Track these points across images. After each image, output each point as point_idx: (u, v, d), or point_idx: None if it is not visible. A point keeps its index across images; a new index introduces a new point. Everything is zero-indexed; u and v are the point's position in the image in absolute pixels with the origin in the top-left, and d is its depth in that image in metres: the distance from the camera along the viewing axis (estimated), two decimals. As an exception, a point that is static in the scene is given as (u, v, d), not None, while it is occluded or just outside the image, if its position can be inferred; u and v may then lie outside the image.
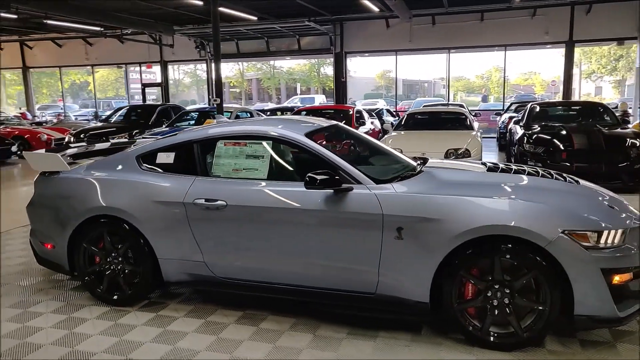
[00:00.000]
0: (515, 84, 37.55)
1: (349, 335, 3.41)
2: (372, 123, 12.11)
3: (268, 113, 16.20)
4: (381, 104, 25.26)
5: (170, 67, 24.78)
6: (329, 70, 38.16)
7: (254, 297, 3.86)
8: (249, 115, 12.63)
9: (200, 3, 13.24)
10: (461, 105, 14.98)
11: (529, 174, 3.82)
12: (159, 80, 22.68)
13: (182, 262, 3.77)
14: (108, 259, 3.91)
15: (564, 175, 3.95)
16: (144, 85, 22.65)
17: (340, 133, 4.54)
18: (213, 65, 21.59)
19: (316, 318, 3.65)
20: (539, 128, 9.41)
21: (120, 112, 15.11)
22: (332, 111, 11.84)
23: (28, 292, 4.24)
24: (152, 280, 3.86)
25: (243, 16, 15.91)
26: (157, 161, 3.94)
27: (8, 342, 3.37)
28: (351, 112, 11.17)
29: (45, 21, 15.39)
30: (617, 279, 3.06)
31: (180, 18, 17.80)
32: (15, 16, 14.36)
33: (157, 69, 22.43)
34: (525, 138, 8.97)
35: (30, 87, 24.93)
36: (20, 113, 23.13)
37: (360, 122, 11.07)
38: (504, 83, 20.10)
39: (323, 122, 4.27)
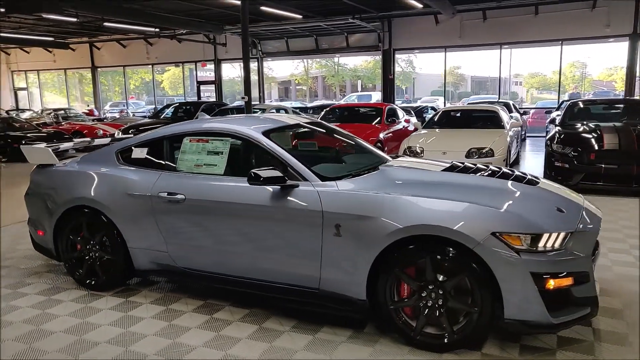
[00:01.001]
0: (597, 79, 35.36)
1: (293, 328, 3.49)
2: (407, 121, 11.95)
3: (310, 111, 16.38)
4: (440, 102, 24.79)
5: (236, 64, 25.36)
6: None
7: (219, 288, 4.02)
8: (284, 113, 12.85)
9: (238, 2, 13.58)
10: (505, 103, 14.43)
11: (487, 174, 3.72)
12: (227, 76, 23.35)
13: (149, 252, 3.99)
14: (87, 247, 4.21)
15: (525, 174, 3.82)
16: (199, 83, 23.54)
17: (310, 131, 4.59)
18: (262, 63, 22.09)
19: (269, 311, 3.75)
20: (574, 127, 8.95)
21: (169, 109, 15.87)
22: (364, 109, 11.85)
23: (24, 275, 4.64)
24: (125, 269, 4.11)
25: (287, 15, 16.16)
26: (133, 156, 4.19)
27: (-14, 318, 3.74)
28: (382, 110, 11.09)
29: (104, 24, 16.34)
30: (552, 283, 2.94)
31: (230, 17, 18.32)
32: (75, 19, 15.39)
33: (224, 65, 23.14)
34: (556, 137, 8.55)
35: (97, 85, 26.61)
36: (89, 110, 24.76)
37: (391, 120, 10.97)
38: (560, 78, 19.07)
39: (289, 121, 4.34)
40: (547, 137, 9.14)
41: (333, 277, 3.35)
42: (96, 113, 24.49)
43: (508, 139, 9.15)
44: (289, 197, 3.43)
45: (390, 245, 3.11)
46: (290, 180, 3.46)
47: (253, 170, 3.37)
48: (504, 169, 3.95)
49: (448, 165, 3.94)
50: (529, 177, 3.76)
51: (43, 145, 4.61)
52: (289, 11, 15.77)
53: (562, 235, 3.01)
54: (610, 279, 4.24)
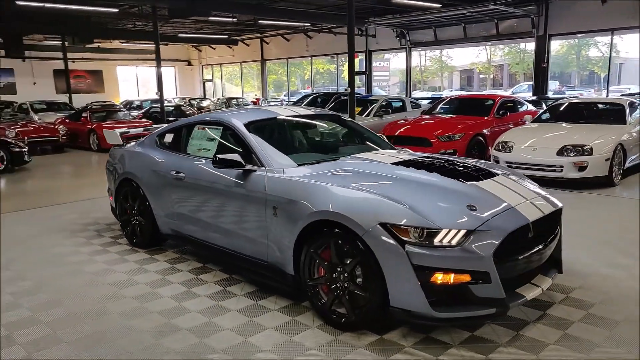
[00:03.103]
0: None
1: (247, 294, 4.02)
2: (522, 115, 11.13)
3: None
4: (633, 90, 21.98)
5: (415, 53, 25.81)
6: (592, 52, 34.28)
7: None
8: (401, 104, 12.99)
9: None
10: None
11: (432, 169, 3.73)
12: (398, 67, 23.92)
13: (167, 220, 4.86)
14: (133, 212, 5.26)
15: (481, 167, 3.86)
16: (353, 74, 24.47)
17: (310, 123, 4.98)
18: (411, 53, 22.10)
19: (243, 278, 4.33)
20: None
21: (308, 99, 17.08)
22: (476, 100, 11.44)
23: (102, 231, 5.93)
24: (153, 232, 5.04)
25: (422, 5, 16.06)
26: (165, 140, 5.09)
27: (52, 259, 5.00)
28: (494, 102, 10.59)
29: (259, 21, 18.19)
30: (439, 278, 2.99)
31: (378, 10, 18.80)
32: (235, 19, 17.45)
33: (388, 57, 23.71)
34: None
35: (265, 76, 29.42)
36: (256, 98, 27.61)
37: (502, 112, 10.39)
38: None
39: (284, 113, 4.78)
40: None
41: (274, 253, 3.79)
42: (262, 102, 27.12)
43: (625, 137, 8.13)
44: (247, 180, 3.95)
45: (309, 227, 3.45)
46: (253, 165, 3.97)
47: (217, 155, 3.97)
48: (468, 163, 3.95)
49: (406, 159, 4.03)
50: (486, 171, 3.77)
51: (117, 131, 5.79)
52: (425, 1, 15.64)
53: (461, 232, 3.03)
54: (609, 292, 3.88)
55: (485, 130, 9.84)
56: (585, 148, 7.66)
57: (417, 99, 17.53)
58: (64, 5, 13.70)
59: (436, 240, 3.02)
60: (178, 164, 4.66)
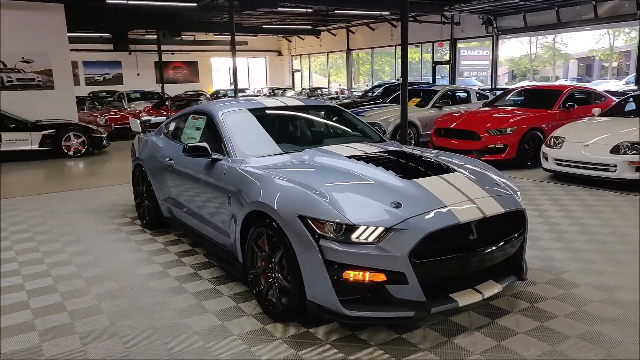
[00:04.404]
0: None
1: (213, 279, 4.17)
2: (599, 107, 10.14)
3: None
4: None
5: (526, 40, 24.35)
6: None
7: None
8: (465, 95, 12.40)
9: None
10: None
11: (385, 162, 3.59)
12: (503, 56, 22.91)
13: (165, 204, 5.15)
14: (143, 195, 5.63)
15: (440, 163, 3.71)
16: (435, 63, 23.74)
17: (296, 114, 4.97)
18: (498, 41, 20.92)
19: (218, 264, 4.49)
20: None
21: (379, 89, 16.90)
22: (543, 92, 10.63)
23: (127, 212, 6.40)
24: (157, 215, 5.36)
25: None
26: (169, 129, 5.38)
27: (69, 234, 5.51)
28: (560, 94, 9.77)
29: (335, 11, 18.24)
30: (351, 275, 2.92)
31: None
32: (310, 10, 17.65)
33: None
34: None
35: (350, 66, 29.39)
36: (340, 89, 27.74)
37: (568, 105, 9.54)
38: None
39: (270, 104, 4.82)
40: None
41: (230, 240, 3.88)
42: (345, 92, 27.16)
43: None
44: (213, 169, 4.08)
45: (250, 218, 3.50)
46: (220, 154, 4.09)
47: (187, 144, 4.13)
48: (430, 158, 3.79)
49: (367, 152, 3.91)
50: (443, 168, 3.61)
51: (139, 119, 6.20)
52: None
53: (378, 230, 2.92)
54: (584, 305, 3.52)
55: (544, 125, 9.13)
56: (644, 145, 6.85)
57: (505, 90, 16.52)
58: (148, 2, 14.71)
59: (353, 237, 2.93)
60: (172, 151, 4.92)
